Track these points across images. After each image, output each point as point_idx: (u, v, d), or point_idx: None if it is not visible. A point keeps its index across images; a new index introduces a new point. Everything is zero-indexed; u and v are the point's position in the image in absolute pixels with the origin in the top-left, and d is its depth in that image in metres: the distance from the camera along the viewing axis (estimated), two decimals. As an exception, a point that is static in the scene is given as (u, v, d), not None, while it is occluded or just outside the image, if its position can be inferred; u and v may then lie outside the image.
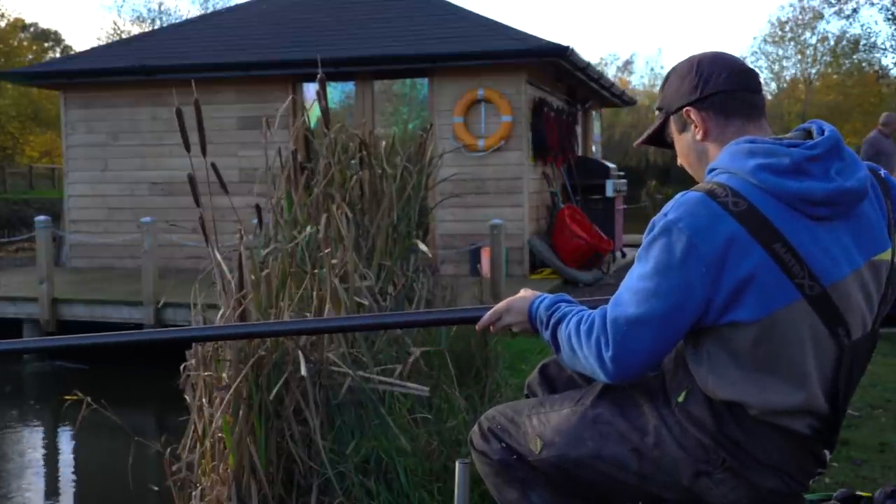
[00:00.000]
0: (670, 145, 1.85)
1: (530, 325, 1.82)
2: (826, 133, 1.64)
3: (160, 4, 54.02)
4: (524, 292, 1.89)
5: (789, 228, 1.55)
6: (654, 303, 1.57)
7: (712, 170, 1.66)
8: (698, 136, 1.72)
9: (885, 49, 32.35)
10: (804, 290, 1.55)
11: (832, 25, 49.19)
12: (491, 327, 1.89)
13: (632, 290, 1.61)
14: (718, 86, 1.70)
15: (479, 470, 1.99)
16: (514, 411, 1.94)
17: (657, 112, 1.82)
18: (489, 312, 1.89)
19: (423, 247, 5.46)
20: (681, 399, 1.69)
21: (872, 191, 1.67)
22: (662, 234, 1.57)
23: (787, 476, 1.65)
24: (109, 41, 34.76)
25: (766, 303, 1.54)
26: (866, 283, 1.63)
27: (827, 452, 1.70)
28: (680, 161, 1.83)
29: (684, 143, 1.77)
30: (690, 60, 1.77)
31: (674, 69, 1.78)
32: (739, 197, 1.56)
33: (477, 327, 1.93)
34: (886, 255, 1.66)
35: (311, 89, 11.14)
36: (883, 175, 1.73)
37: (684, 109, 1.73)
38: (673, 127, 1.79)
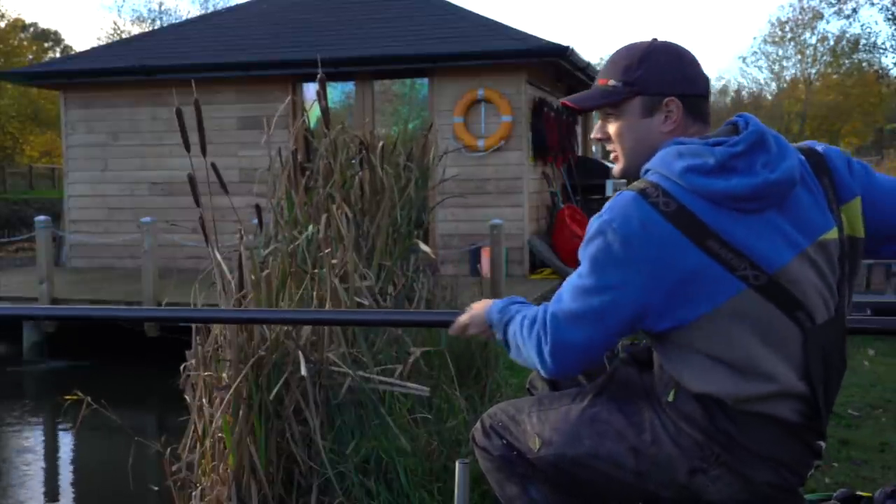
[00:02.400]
0: (583, 112, 1.85)
1: (490, 331, 1.91)
2: (750, 127, 1.66)
3: (160, 4, 54.02)
4: (482, 302, 1.97)
5: (721, 224, 1.58)
6: (589, 299, 1.63)
7: (647, 171, 1.68)
8: (666, 128, 1.71)
9: (885, 49, 32.29)
10: (749, 281, 1.58)
11: (832, 25, 49.17)
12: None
13: (570, 287, 1.67)
14: (700, 87, 1.73)
15: (482, 466, 2.02)
16: (516, 409, 1.97)
17: (617, 84, 1.73)
18: (455, 326, 2.00)
19: (425, 247, 5.46)
20: (670, 398, 1.71)
21: (806, 174, 1.68)
22: (598, 234, 1.62)
23: (782, 467, 1.66)
24: (109, 41, 34.77)
25: (710, 298, 1.58)
26: (817, 264, 1.64)
27: (822, 444, 1.70)
28: (616, 140, 1.76)
29: (642, 127, 1.73)
30: (673, 49, 1.74)
31: (654, 50, 1.73)
32: (670, 197, 1.59)
33: (450, 331, 2.05)
34: (833, 234, 1.67)
35: (311, 89, 11.14)
36: (821, 150, 1.74)
37: (670, 98, 1.70)
38: (636, 107, 1.73)
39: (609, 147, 1.81)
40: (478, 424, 2.03)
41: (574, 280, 1.67)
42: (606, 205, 1.65)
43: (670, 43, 1.76)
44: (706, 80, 1.75)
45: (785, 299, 1.60)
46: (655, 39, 1.77)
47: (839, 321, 1.68)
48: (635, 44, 1.77)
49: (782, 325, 1.61)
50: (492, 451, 1.95)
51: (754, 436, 1.64)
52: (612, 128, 1.78)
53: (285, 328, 4.07)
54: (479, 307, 1.95)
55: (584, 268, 1.65)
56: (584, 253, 1.65)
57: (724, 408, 1.64)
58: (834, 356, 1.67)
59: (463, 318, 1.98)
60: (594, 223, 1.64)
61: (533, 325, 1.71)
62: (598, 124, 1.82)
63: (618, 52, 1.78)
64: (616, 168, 1.81)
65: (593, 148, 16.36)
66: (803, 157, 1.70)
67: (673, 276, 1.57)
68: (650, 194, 1.60)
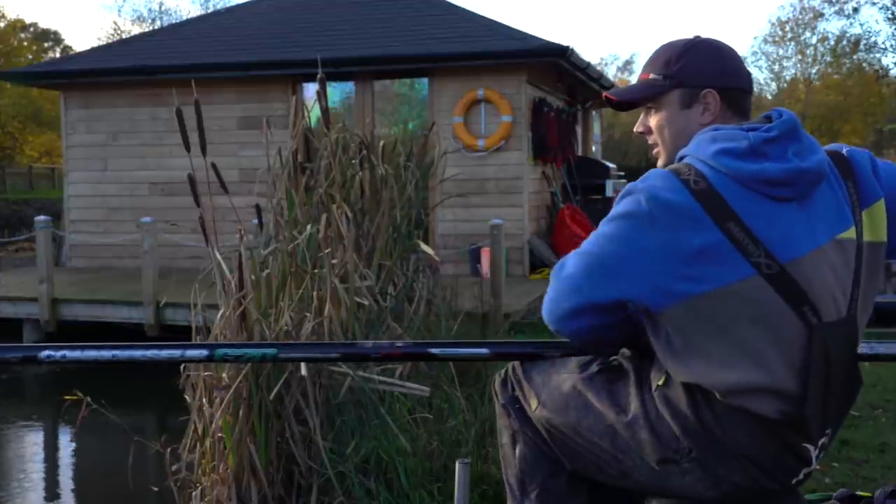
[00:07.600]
0: (625, 107, 1.87)
1: None
2: (784, 117, 1.70)
3: (160, 4, 53.94)
4: None
5: (746, 209, 1.60)
6: (600, 242, 1.67)
7: (682, 157, 1.72)
8: (704, 120, 1.76)
9: (885, 49, 32.28)
10: (761, 269, 1.58)
11: (832, 25, 49.20)
12: None
13: (591, 235, 1.72)
14: (740, 82, 1.77)
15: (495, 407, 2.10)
16: (533, 366, 2.00)
17: (657, 77, 1.79)
18: None
19: (427, 248, 5.46)
20: (661, 382, 1.72)
21: (831, 173, 1.71)
22: (627, 194, 1.66)
23: (757, 469, 1.64)
24: (109, 41, 34.74)
25: (719, 277, 1.59)
26: (833, 262, 1.64)
27: (810, 448, 1.65)
28: (657, 133, 1.83)
29: (681, 118, 1.78)
30: (713, 44, 1.80)
31: (694, 45, 1.79)
32: (701, 177, 1.62)
33: None
34: (851, 233, 1.67)
35: (311, 89, 11.13)
36: (846, 153, 1.77)
37: (707, 90, 1.75)
38: (675, 99, 1.78)
39: (650, 140, 1.85)
40: (502, 371, 2.07)
41: (596, 230, 1.71)
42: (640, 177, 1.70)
43: (712, 39, 1.81)
44: (747, 75, 1.78)
45: (793, 292, 1.59)
46: (698, 36, 1.82)
47: (850, 324, 1.67)
48: (677, 40, 1.83)
49: (785, 318, 1.60)
50: (501, 397, 2.00)
51: (732, 431, 1.63)
52: (652, 121, 1.83)
53: (286, 328, 4.07)
54: None
55: (607, 218, 1.68)
56: (612, 212, 1.68)
57: (711, 400, 1.64)
58: (839, 358, 1.64)
59: None
60: (626, 189, 1.68)
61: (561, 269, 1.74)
62: (640, 118, 1.87)
63: (660, 47, 1.84)
64: (659, 161, 1.85)
65: (593, 148, 16.36)
66: (829, 159, 1.72)
67: (687, 249, 1.58)
68: (682, 172, 1.64)
